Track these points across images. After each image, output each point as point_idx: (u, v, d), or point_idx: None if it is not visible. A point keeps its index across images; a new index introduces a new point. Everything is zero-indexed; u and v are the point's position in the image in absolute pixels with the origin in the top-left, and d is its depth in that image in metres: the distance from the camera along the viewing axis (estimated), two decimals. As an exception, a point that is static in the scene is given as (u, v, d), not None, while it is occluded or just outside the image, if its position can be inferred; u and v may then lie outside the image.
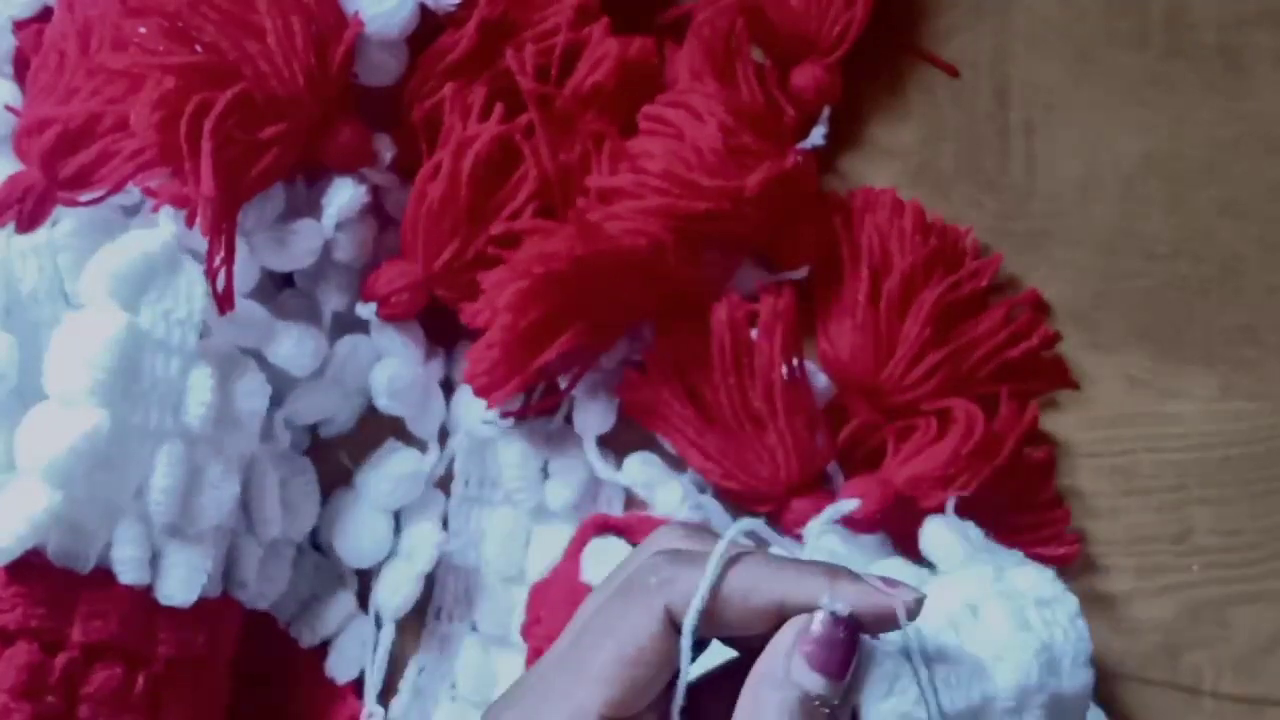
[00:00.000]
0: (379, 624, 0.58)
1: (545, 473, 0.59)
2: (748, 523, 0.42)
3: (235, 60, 0.52)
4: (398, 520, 0.59)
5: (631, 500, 0.59)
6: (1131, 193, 0.60)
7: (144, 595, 0.51)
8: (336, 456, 0.59)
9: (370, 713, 0.57)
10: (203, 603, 0.52)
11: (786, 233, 0.57)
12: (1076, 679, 0.46)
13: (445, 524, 0.59)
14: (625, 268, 0.54)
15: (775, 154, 0.56)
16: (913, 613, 0.39)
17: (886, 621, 0.39)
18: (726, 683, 0.41)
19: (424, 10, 0.56)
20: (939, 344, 0.57)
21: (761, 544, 0.44)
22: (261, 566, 0.56)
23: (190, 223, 0.52)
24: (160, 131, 0.51)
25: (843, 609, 0.39)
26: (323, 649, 0.58)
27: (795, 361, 0.55)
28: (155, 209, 0.54)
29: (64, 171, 0.53)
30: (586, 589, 0.53)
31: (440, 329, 0.59)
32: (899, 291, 0.57)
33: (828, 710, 0.39)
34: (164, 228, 0.53)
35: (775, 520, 0.55)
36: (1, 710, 0.48)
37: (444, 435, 0.59)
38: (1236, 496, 0.58)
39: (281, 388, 0.57)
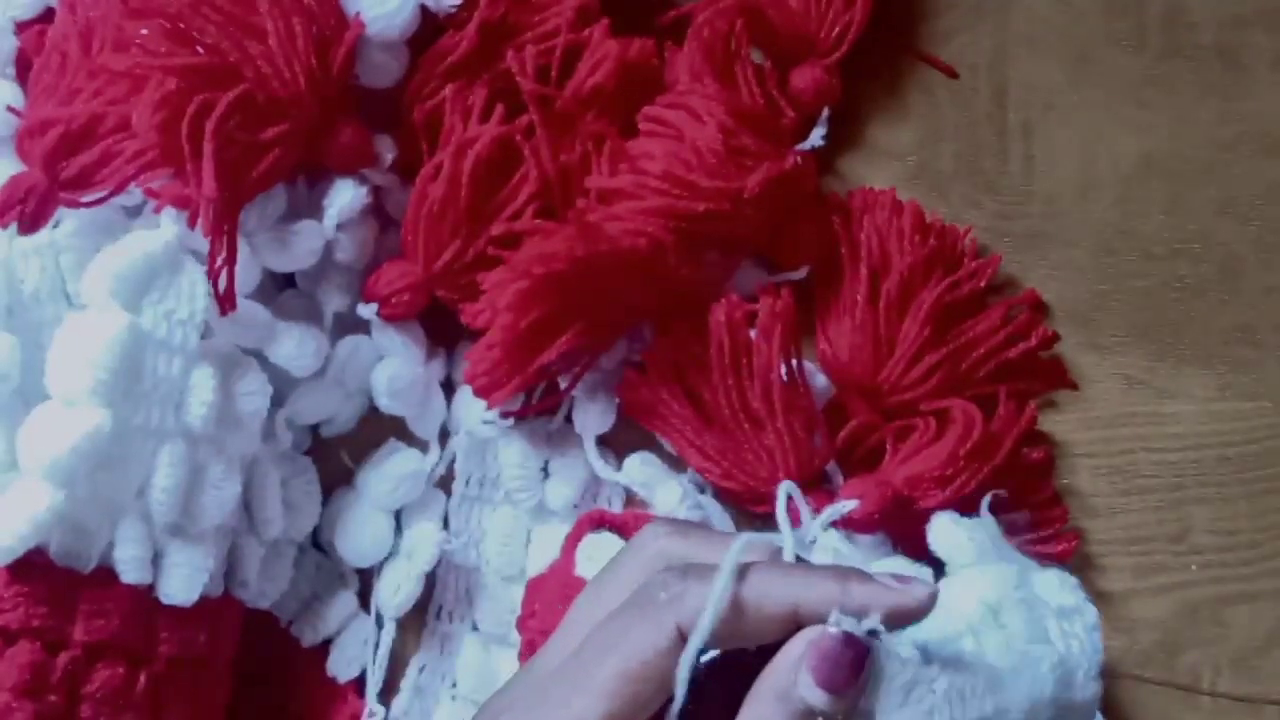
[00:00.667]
0: (380, 623, 0.58)
1: (545, 472, 0.59)
2: (748, 537, 0.41)
3: (237, 61, 0.52)
4: (398, 520, 0.59)
5: (631, 500, 0.59)
6: (1130, 193, 0.60)
7: (145, 594, 0.51)
8: (338, 456, 0.59)
9: (371, 712, 0.58)
10: (204, 602, 0.52)
11: (786, 233, 0.57)
12: (1087, 691, 0.46)
13: (446, 523, 0.59)
14: (625, 268, 0.54)
15: (775, 155, 0.56)
16: (926, 608, 0.39)
17: (901, 619, 0.39)
18: (724, 676, 0.41)
19: (425, 12, 0.56)
20: (938, 344, 0.57)
21: (771, 549, 0.43)
22: (263, 566, 0.56)
23: (192, 223, 0.52)
24: (162, 132, 0.51)
25: (854, 626, 0.38)
26: (324, 648, 0.59)
27: (794, 362, 0.56)
28: (157, 210, 0.54)
29: (66, 172, 0.53)
30: (580, 583, 0.53)
31: (441, 329, 0.59)
32: (898, 292, 0.57)
33: None
34: (166, 228, 0.53)
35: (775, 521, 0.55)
36: (4, 709, 0.48)
37: (445, 435, 0.60)
38: (1234, 496, 0.58)
39: (283, 388, 0.57)
